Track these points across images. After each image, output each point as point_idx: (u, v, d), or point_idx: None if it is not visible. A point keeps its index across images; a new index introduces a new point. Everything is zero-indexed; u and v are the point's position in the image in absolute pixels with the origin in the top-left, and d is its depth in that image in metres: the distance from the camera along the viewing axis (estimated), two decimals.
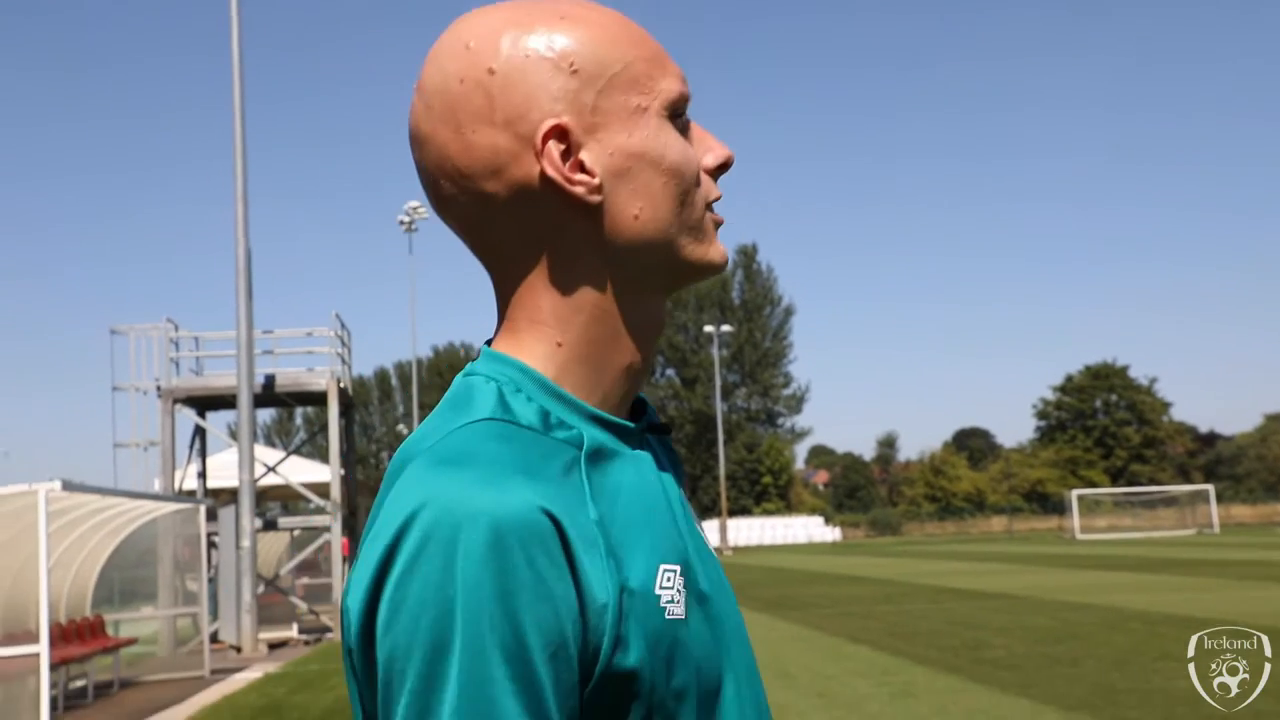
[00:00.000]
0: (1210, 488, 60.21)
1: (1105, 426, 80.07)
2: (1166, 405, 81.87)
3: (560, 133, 0.85)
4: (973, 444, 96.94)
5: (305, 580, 26.83)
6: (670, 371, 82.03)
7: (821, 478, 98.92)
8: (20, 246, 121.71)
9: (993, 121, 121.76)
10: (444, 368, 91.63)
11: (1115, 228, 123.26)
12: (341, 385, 20.33)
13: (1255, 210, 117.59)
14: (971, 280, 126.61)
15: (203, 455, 20.76)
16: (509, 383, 0.86)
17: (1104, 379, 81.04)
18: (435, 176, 0.88)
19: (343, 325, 21.18)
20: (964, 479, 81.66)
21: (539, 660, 0.73)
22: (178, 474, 19.62)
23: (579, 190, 0.85)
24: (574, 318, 0.88)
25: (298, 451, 29.26)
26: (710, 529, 65.33)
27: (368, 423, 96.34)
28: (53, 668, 10.86)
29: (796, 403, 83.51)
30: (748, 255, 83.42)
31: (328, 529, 19.74)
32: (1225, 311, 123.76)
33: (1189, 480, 72.54)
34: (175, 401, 19.32)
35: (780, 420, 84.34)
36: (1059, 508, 68.72)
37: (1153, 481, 73.37)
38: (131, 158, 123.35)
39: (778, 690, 10.13)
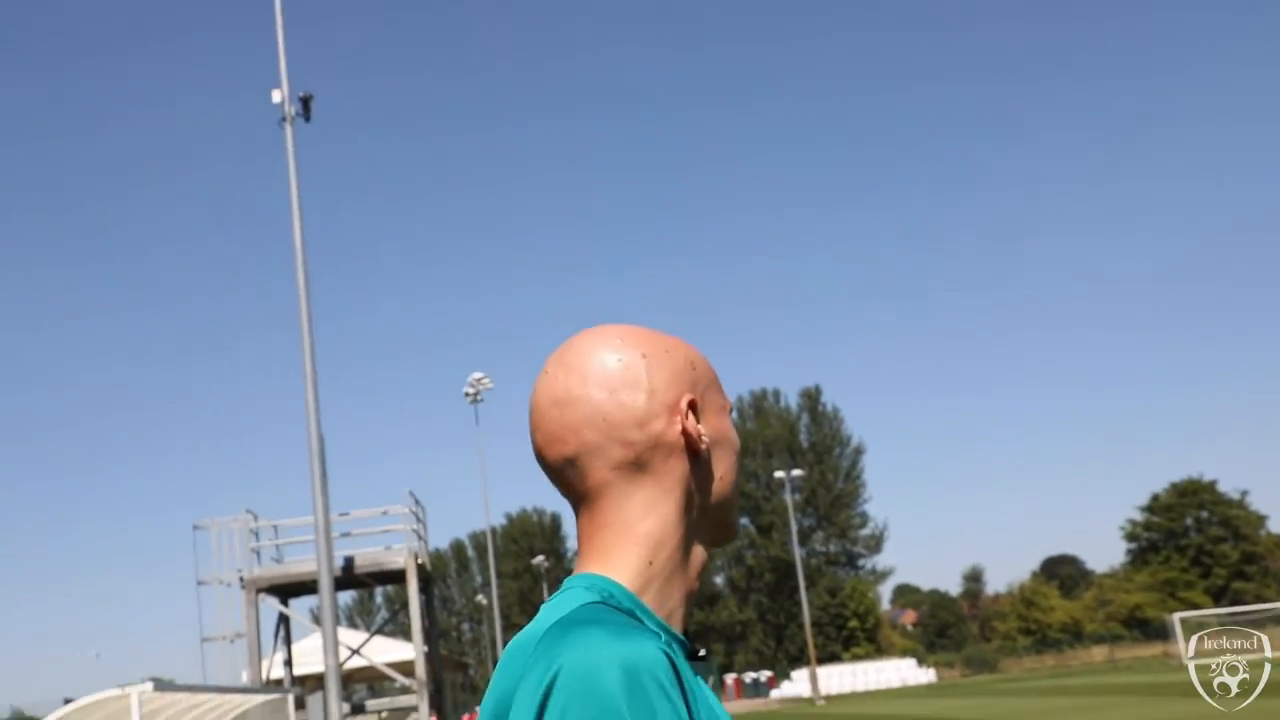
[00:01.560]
0: None
1: (1200, 545, 77.29)
2: (1263, 518, 79.01)
3: (693, 405, 1.19)
4: (1062, 572, 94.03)
5: None
6: (745, 520, 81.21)
7: (909, 618, 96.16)
8: (92, 445, 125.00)
9: (1053, 243, 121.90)
10: (518, 534, 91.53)
11: (1183, 343, 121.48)
12: (420, 561, 20.45)
13: None
14: (1044, 405, 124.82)
15: (288, 643, 20.85)
16: (603, 590, 1.10)
17: (1192, 495, 78.66)
18: (579, 428, 1.16)
19: (417, 501, 21.44)
20: (1057, 609, 78.90)
21: None
22: (264, 663, 19.69)
23: (702, 445, 1.17)
24: (666, 542, 1.15)
25: (380, 631, 29.20)
26: (800, 678, 63.52)
27: (446, 595, 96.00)
28: None
29: (876, 542, 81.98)
30: (811, 398, 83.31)
31: (415, 708, 19.56)
32: None
33: None
34: (258, 591, 19.54)
35: (861, 561, 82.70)
36: (1161, 633, 65.87)
37: (1259, 599, 70.30)
38: (193, 345, 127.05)
39: None
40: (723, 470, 1.20)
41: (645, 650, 0.96)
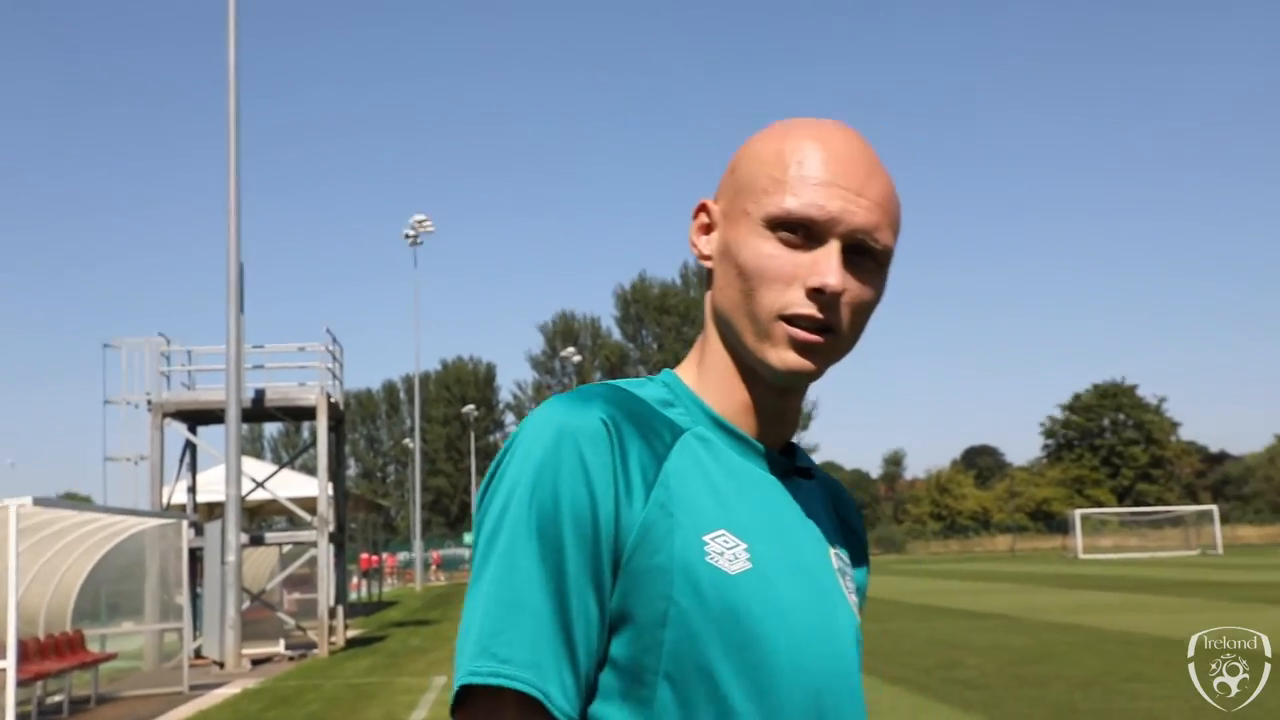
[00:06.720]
0: (1215, 508, 59.79)
1: (1112, 445, 79.75)
2: (1175, 425, 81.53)
3: (703, 209, 1.16)
4: (981, 462, 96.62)
5: (296, 595, 26.81)
6: None
7: None
8: (12, 248, 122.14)
9: (995, 131, 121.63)
10: (451, 381, 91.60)
11: (1126, 244, 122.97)
12: (332, 400, 20.40)
13: (1270, 225, 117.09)
14: (981, 297, 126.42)
15: (193, 470, 20.84)
16: (658, 381, 1.14)
17: (1112, 398, 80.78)
18: None
19: (335, 340, 21.27)
20: (970, 497, 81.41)
21: (566, 527, 0.98)
22: (166, 489, 19.70)
23: (694, 253, 1.16)
24: (708, 348, 1.15)
25: (290, 465, 29.30)
26: None
27: (375, 436, 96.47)
28: (24, 683, 10.93)
29: (804, 420, 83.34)
30: None
31: (314, 544, 19.75)
32: (1236, 330, 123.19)
33: (1196, 500, 72.09)
34: (165, 415, 19.41)
35: None
36: (1064, 527, 68.35)
37: (1160, 501, 72.98)
38: (122, 161, 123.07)
39: None
40: (725, 284, 1.11)
41: (582, 415, 1.01)
